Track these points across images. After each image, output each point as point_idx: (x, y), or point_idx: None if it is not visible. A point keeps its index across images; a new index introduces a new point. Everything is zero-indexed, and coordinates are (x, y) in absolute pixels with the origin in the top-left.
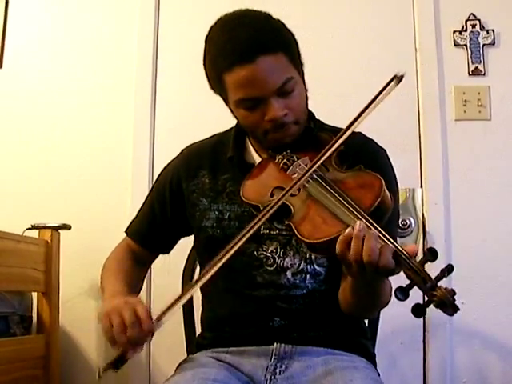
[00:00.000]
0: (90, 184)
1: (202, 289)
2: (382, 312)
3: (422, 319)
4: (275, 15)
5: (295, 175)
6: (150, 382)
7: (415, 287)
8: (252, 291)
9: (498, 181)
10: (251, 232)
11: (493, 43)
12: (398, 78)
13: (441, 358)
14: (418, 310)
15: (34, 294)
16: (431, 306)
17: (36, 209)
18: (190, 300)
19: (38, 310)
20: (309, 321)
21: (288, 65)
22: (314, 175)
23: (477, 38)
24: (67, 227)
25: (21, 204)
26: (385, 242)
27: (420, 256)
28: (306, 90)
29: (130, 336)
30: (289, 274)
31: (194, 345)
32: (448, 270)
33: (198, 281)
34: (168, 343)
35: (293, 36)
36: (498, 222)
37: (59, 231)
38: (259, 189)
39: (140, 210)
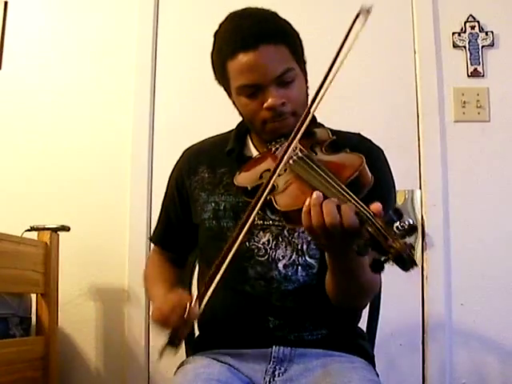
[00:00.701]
0: (88, 186)
1: (198, 287)
2: (380, 313)
3: (421, 320)
4: None
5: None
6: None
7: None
8: (244, 286)
9: (496, 182)
10: (251, 218)
11: (492, 45)
12: (364, 12)
13: (440, 359)
14: (376, 265)
15: (33, 296)
16: (391, 262)
17: (35, 210)
18: None
19: (37, 312)
20: (304, 320)
21: (289, 57)
22: (300, 154)
23: (476, 39)
24: (66, 229)
25: (20, 206)
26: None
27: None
28: (308, 87)
29: (178, 313)
30: (280, 265)
31: (192, 346)
32: (411, 228)
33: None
34: None
35: (297, 34)
36: (496, 223)
37: (58, 233)
38: (250, 174)
39: (159, 217)
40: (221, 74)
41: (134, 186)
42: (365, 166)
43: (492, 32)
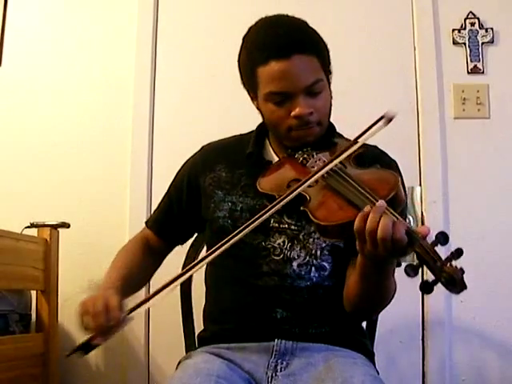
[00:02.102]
0: (88, 182)
1: (206, 280)
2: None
3: (420, 317)
4: None
5: (314, 168)
6: (149, 380)
7: (425, 268)
8: (257, 280)
9: (496, 179)
10: (264, 217)
11: (491, 41)
12: (387, 118)
13: (440, 356)
14: (426, 287)
15: (33, 293)
16: (439, 283)
17: (35, 207)
18: (189, 298)
19: (37, 309)
20: (311, 315)
21: (319, 68)
22: (333, 168)
23: (476, 36)
24: (66, 225)
25: (19, 202)
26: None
27: None
28: (331, 98)
29: (97, 322)
30: (295, 264)
31: (193, 342)
32: (457, 253)
33: (200, 261)
34: (166, 340)
35: (326, 46)
36: (496, 220)
37: (58, 229)
38: (276, 180)
39: (160, 203)
40: (249, 78)
41: (133, 183)
42: (400, 186)
43: (492, 29)
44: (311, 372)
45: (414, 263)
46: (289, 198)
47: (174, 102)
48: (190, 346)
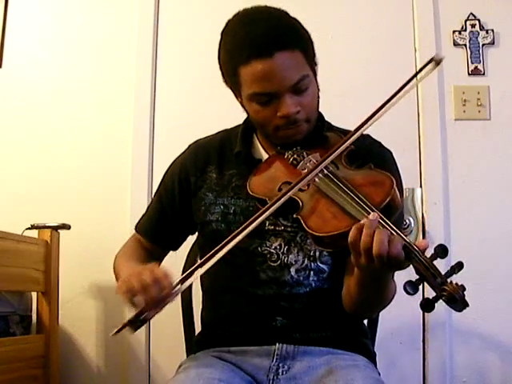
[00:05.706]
0: (89, 184)
1: (202, 286)
2: (381, 312)
3: (421, 318)
4: None
5: (305, 170)
6: (150, 382)
7: (425, 283)
8: (255, 289)
9: (497, 180)
10: (257, 222)
11: (492, 43)
12: (435, 61)
13: (440, 357)
14: (427, 305)
15: (34, 294)
16: (440, 301)
17: (35, 209)
18: (189, 300)
19: (37, 310)
20: (311, 321)
21: (304, 63)
22: (325, 171)
23: (476, 37)
24: (67, 227)
25: (20, 204)
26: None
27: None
28: (319, 90)
29: (150, 294)
30: (292, 270)
31: (194, 344)
32: (458, 267)
33: (218, 250)
34: (167, 343)
35: (309, 36)
36: (497, 221)
37: (59, 231)
38: (267, 183)
39: (149, 207)
40: (231, 77)
41: (134, 184)
42: (395, 189)
43: (492, 30)
44: (312, 376)
45: (414, 280)
46: (279, 203)
47: (175, 103)
48: (190, 348)
